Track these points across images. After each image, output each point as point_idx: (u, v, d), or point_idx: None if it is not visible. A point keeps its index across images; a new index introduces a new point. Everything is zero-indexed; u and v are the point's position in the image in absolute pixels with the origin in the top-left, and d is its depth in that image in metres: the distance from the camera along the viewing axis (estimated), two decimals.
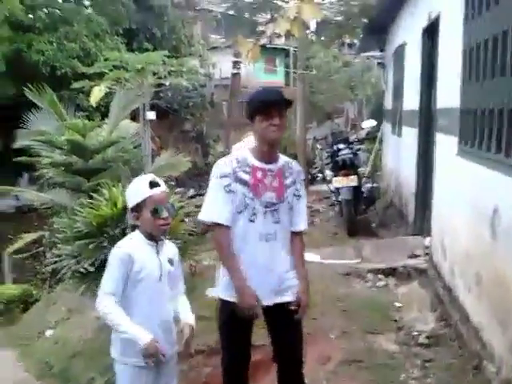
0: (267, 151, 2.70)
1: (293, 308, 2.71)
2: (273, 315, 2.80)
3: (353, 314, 4.50)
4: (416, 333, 4.15)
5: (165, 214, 2.60)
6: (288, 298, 2.74)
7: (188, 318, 2.72)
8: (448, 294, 4.34)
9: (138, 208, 2.61)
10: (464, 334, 3.80)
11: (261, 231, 2.68)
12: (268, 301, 2.72)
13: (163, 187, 2.65)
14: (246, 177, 2.68)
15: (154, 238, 2.65)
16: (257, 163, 2.71)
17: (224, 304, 2.81)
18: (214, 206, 2.70)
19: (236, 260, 2.69)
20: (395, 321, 4.41)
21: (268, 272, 2.71)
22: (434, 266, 4.99)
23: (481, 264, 3.55)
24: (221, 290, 2.83)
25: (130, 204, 2.66)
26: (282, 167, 2.75)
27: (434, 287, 4.74)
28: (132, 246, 2.61)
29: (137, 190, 2.63)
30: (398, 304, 4.71)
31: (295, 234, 2.81)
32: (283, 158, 2.81)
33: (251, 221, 2.68)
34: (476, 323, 3.59)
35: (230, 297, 2.73)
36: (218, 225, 2.69)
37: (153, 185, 2.60)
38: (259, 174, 2.69)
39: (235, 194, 2.67)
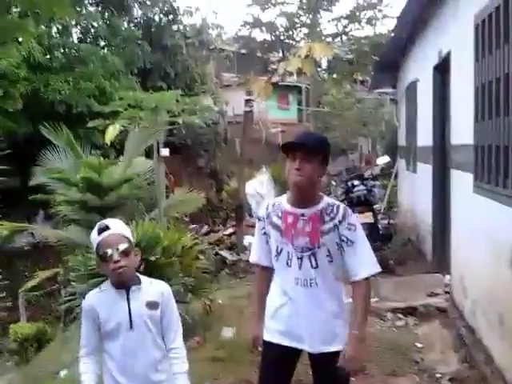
0: (297, 195, 2.63)
1: (339, 363, 2.54)
2: (316, 363, 2.70)
3: (372, 354, 4.37)
4: (439, 375, 4.03)
5: (115, 256, 2.41)
6: (332, 347, 2.60)
7: None
8: (471, 334, 4.23)
9: (97, 256, 2.51)
10: (488, 376, 3.68)
11: (297, 276, 2.60)
12: (311, 348, 2.63)
13: (114, 229, 2.48)
14: (278, 221, 2.66)
15: (122, 284, 2.48)
16: (288, 207, 2.65)
17: (264, 344, 2.77)
18: (253, 248, 2.86)
19: (258, 299, 2.82)
20: (417, 362, 4.29)
21: (309, 318, 2.61)
22: (454, 305, 4.89)
23: (503, 303, 3.46)
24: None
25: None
26: (320, 212, 2.60)
27: (455, 327, 4.62)
28: (97, 296, 2.51)
29: (91, 240, 2.52)
30: (419, 344, 4.59)
31: (355, 283, 2.60)
32: (327, 202, 2.64)
33: (288, 265, 2.63)
34: (501, 364, 3.48)
35: (268, 337, 2.73)
36: (258, 265, 2.83)
37: (101, 230, 2.46)
38: (290, 219, 2.62)
39: (270, 237, 2.70)
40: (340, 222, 2.58)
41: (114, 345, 2.47)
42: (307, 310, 2.60)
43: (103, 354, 2.51)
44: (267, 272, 2.78)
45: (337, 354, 2.58)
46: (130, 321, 2.45)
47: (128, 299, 2.47)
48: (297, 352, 2.69)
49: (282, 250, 2.64)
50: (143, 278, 2.58)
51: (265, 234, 2.72)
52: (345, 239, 2.58)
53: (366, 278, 2.57)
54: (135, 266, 2.55)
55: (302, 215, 2.61)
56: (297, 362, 2.76)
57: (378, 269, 2.61)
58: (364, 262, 2.59)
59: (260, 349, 2.77)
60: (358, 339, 2.54)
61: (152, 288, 2.55)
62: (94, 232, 2.49)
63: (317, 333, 2.61)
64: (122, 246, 2.44)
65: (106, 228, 2.47)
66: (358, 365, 2.60)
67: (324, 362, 2.64)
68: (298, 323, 2.62)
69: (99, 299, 2.50)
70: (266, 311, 2.75)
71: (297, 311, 2.62)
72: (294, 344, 2.65)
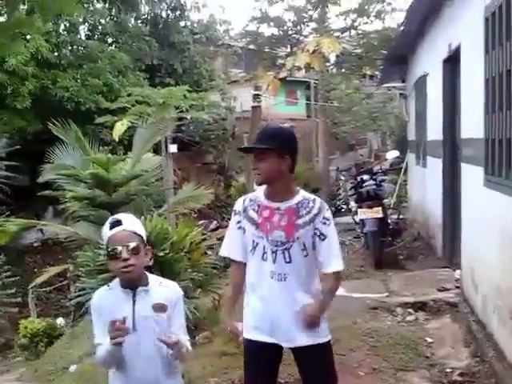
0: (272, 190, 2.65)
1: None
2: (297, 357, 2.73)
3: (382, 349, 4.35)
4: (449, 370, 3.99)
5: (124, 254, 2.29)
6: (304, 341, 2.63)
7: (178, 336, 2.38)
8: (481, 329, 4.20)
9: (106, 252, 2.42)
10: (500, 371, 3.65)
11: (272, 270, 2.61)
12: (288, 343, 2.65)
13: (126, 225, 2.36)
14: (254, 215, 2.67)
15: (129, 284, 2.37)
16: (265, 201, 2.66)
17: (244, 341, 2.77)
18: (227, 242, 2.80)
19: (233, 294, 2.84)
20: (427, 357, 4.25)
21: (283, 311, 2.61)
22: (465, 300, 4.85)
23: None
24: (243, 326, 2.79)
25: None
26: (296, 205, 2.62)
27: (466, 322, 4.58)
28: (104, 294, 2.44)
29: (103, 234, 2.42)
30: (429, 339, 4.55)
31: (326, 276, 2.67)
32: (302, 196, 2.66)
33: (263, 259, 2.63)
34: None
35: (246, 333, 2.72)
36: (231, 259, 2.80)
37: (113, 224, 2.36)
38: (266, 213, 2.63)
39: (246, 231, 2.69)
40: (316, 215, 2.61)
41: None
42: (281, 304, 2.61)
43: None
44: (240, 266, 2.75)
45: (313, 346, 2.63)
46: (134, 323, 2.34)
47: (134, 300, 2.37)
48: (276, 347, 2.68)
49: (257, 244, 2.64)
50: (152, 277, 2.47)
51: (240, 228, 2.71)
52: (318, 233, 2.61)
53: (335, 272, 2.64)
54: (145, 265, 2.42)
55: (278, 209, 2.63)
56: (279, 358, 2.75)
57: (342, 266, 2.68)
58: (333, 256, 2.64)
59: (241, 339, 2.77)
60: (321, 306, 2.65)
61: (161, 290, 2.44)
62: (106, 226, 2.38)
63: (292, 327, 2.62)
64: (133, 244, 2.32)
65: (118, 223, 2.36)
66: (315, 320, 2.63)
67: (303, 356, 2.68)
68: (272, 318, 2.62)
69: (105, 297, 2.43)
70: (243, 308, 2.76)
71: (271, 306, 2.62)
72: (271, 339, 2.64)
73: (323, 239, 2.61)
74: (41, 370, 6.49)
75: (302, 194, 2.67)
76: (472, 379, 3.85)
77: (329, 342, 2.72)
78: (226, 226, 2.90)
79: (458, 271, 5.56)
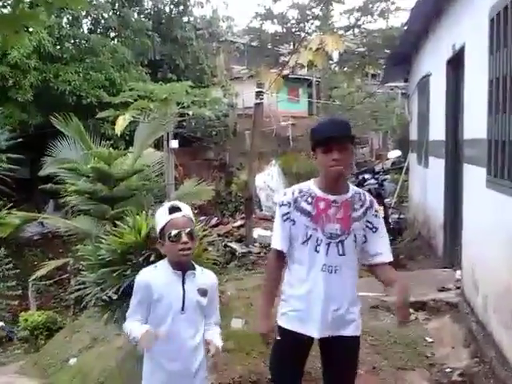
0: (331, 183, 2.63)
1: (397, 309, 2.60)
2: (329, 347, 2.72)
3: (382, 348, 4.37)
4: (449, 369, 4.00)
5: (184, 238, 2.49)
6: (348, 332, 2.65)
7: (214, 338, 2.58)
8: (482, 329, 4.20)
9: (161, 235, 2.56)
10: (499, 372, 3.65)
11: (324, 262, 2.60)
12: (325, 332, 2.64)
13: (185, 211, 2.56)
14: (307, 207, 2.63)
15: (180, 266, 2.54)
16: (320, 193, 2.64)
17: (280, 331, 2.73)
18: (275, 234, 2.74)
19: (271, 285, 2.76)
20: (427, 357, 4.26)
21: (328, 303, 2.61)
22: (465, 300, 4.85)
23: None
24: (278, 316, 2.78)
25: (157, 232, 2.62)
26: (351, 199, 2.64)
27: (466, 322, 4.58)
28: (153, 274, 2.56)
29: (159, 217, 2.59)
30: (429, 339, 4.56)
31: (382, 266, 2.69)
32: (354, 190, 2.69)
33: (316, 251, 2.62)
34: None
35: (284, 324, 2.71)
36: (274, 250, 2.74)
37: (173, 210, 2.54)
38: (322, 205, 2.61)
39: (296, 223, 2.65)
40: (368, 208, 2.66)
41: (161, 327, 2.49)
42: (326, 295, 2.60)
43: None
44: (282, 259, 2.74)
45: (351, 338, 2.65)
46: (183, 303, 2.51)
47: (183, 282, 2.53)
48: (311, 340, 2.69)
49: (311, 235, 2.61)
50: (196, 265, 2.65)
51: (288, 219, 2.66)
52: (370, 226, 2.66)
53: (390, 263, 2.67)
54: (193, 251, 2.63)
55: (334, 201, 2.62)
56: (309, 351, 2.76)
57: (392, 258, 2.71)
58: (385, 246, 2.71)
59: (270, 340, 2.73)
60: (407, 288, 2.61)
61: (204, 276, 2.63)
62: (164, 211, 2.55)
63: (331, 316, 2.62)
64: (190, 229, 2.52)
65: (178, 209, 2.54)
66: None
67: (337, 345, 2.67)
68: (317, 308, 2.61)
69: (155, 276, 2.54)
70: (284, 298, 2.74)
71: (319, 297, 2.61)
72: (309, 332, 2.64)
73: (375, 231, 2.68)
74: (40, 363, 6.50)
75: (353, 188, 2.72)
76: (472, 379, 3.85)
77: (359, 336, 2.75)
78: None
79: (458, 271, 5.56)
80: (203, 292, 2.58)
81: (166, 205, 2.61)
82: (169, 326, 2.50)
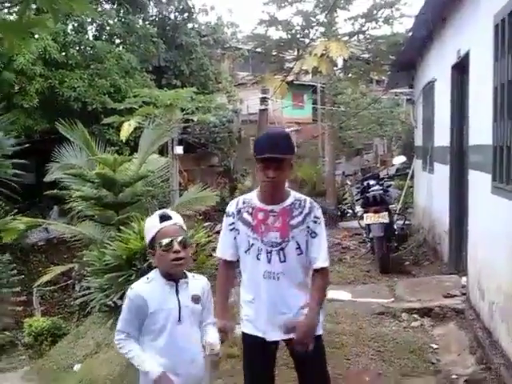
0: (268, 194, 2.74)
1: (295, 345, 2.69)
2: (292, 349, 2.83)
3: (388, 355, 4.34)
4: (455, 376, 3.97)
5: (176, 246, 2.41)
6: (293, 335, 2.72)
7: (211, 338, 2.55)
8: (488, 336, 4.17)
9: (152, 245, 2.50)
10: (506, 379, 3.62)
11: (266, 269, 2.71)
12: (276, 335, 2.75)
13: (176, 220, 2.50)
14: (248, 218, 2.76)
15: (172, 276, 2.48)
16: (259, 204, 2.75)
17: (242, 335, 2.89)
18: (220, 243, 2.89)
19: (222, 292, 2.87)
20: (432, 363, 4.24)
21: (275, 309, 2.72)
22: (471, 307, 4.82)
23: None
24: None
25: (147, 242, 2.56)
26: (289, 207, 2.73)
27: (472, 329, 4.56)
28: (147, 288, 2.48)
29: (149, 226, 2.53)
30: (434, 346, 4.53)
31: (315, 272, 2.76)
32: (294, 197, 2.77)
33: (258, 259, 2.73)
34: None
35: (243, 327, 2.86)
36: (222, 260, 2.88)
37: (163, 218, 2.48)
38: (260, 215, 2.73)
39: (240, 232, 2.77)
40: (307, 214, 2.74)
41: (158, 340, 2.46)
42: (272, 301, 2.72)
43: (147, 346, 2.48)
44: (231, 267, 2.88)
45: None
46: (179, 313, 2.47)
47: (177, 292, 2.49)
48: (273, 344, 2.80)
49: (252, 244, 2.74)
50: (186, 272, 2.60)
51: (233, 229, 2.79)
52: (309, 231, 2.73)
53: (324, 268, 2.74)
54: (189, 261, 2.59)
55: (272, 211, 2.73)
56: (276, 352, 2.88)
57: (329, 263, 2.79)
58: (321, 252, 2.74)
59: (229, 338, 2.89)
60: (312, 322, 2.68)
61: (195, 282, 2.59)
62: (154, 219, 2.49)
63: (280, 321, 2.72)
64: (182, 238, 2.46)
65: (168, 217, 2.49)
66: (311, 333, 2.68)
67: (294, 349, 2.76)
68: (264, 314, 2.74)
69: (149, 290, 2.48)
70: (241, 303, 2.87)
71: (263, 302, 2.74)
72: (264, 335, 2.76)
73: (314, 237, 2.73)
74: (45, 369, 6.51)
75: (294, 195, 2.79)
76: None
77: (321, 335, 2.84)
78: None
79: (464, 278, 5.54)
80: (196, 299, 2.54)
81: (156, 213, 2.54)
82: (166, 337, 2.45)
